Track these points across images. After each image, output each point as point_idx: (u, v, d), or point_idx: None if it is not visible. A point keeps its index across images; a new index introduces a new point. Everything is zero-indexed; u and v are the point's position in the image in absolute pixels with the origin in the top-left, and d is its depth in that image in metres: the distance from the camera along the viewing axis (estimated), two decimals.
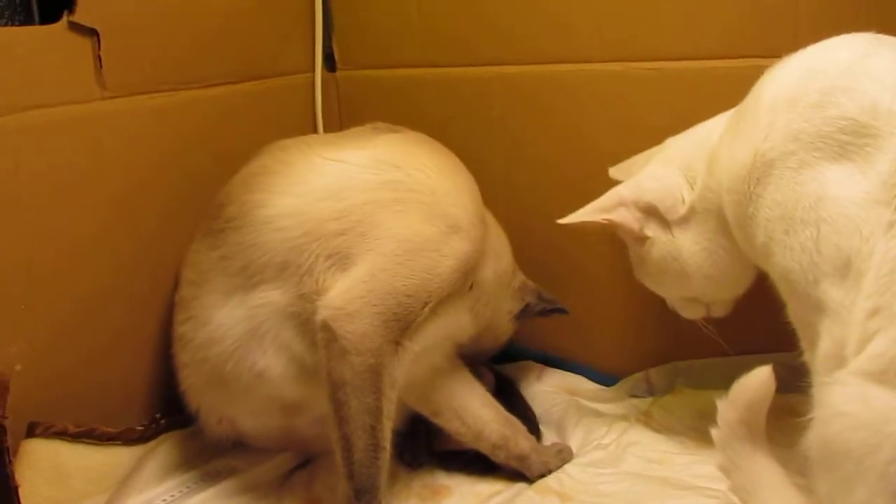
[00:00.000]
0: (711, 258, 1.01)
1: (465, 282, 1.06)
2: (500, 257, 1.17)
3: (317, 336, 0.96)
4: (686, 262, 1.02)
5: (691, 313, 1.11)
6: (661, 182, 1.03)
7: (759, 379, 0.85)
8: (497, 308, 1.20)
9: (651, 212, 1.04)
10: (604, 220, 1.04)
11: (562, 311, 1.27)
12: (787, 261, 0.83)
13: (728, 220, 0.95)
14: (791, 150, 0.83)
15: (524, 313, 1.25)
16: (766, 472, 0.85)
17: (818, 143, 0.81)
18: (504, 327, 1.25)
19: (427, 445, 1.17)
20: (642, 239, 1.05)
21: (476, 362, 1.25)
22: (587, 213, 1.05)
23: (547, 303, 1.26)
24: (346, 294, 0.96)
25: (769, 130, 0.85)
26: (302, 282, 0.99)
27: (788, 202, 0.83)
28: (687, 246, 1.02)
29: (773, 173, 0.84)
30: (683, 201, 1.02)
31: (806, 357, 0.86)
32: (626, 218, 1.04)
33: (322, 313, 0.95)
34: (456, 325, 1.08)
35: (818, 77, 0.84)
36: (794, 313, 0.87)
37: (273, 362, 1.01)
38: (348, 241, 0.99)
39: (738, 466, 0.86)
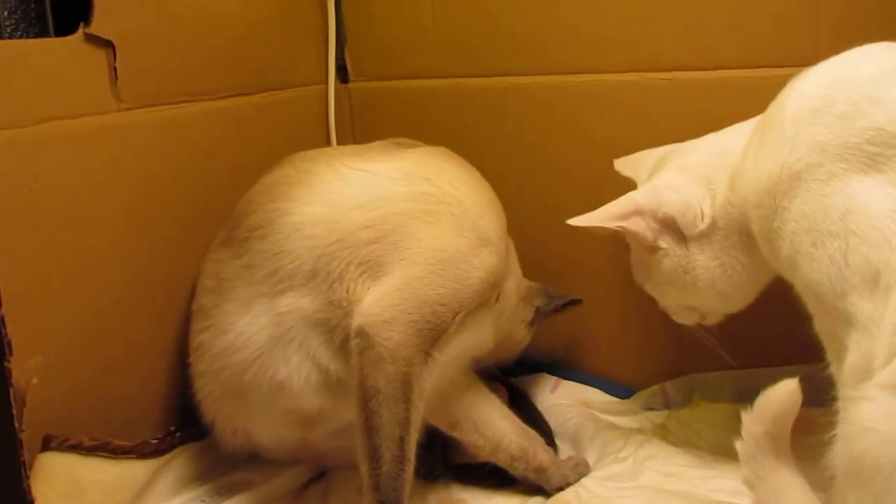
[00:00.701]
0: (726, 274, 1.00)
1: (492, 294, 1.06)
2: (516, 268, 1.18)
3: (350, 343, 0.96)
4: (698, 277, 1.01)
5: (685, 319, 1.10)
6: (680, 194, 1.01)
7: (785, 391, 0.83)
8: (512, 319, 1.20)
9: (668, 224, 1.02)
10: (617, 227, 1.02)
11: (575, 302, 1.26)
12: (814, 273, 0.81)
13: (754, 234, 0.94)
14: (818, 161, 0.82)
15: (537, 317, 1.25)
16: (791, 487, 0.84)
17: (846, 154, 0.80)
18: (520, 336, 1.25)
19: (443, 458, 1.16)
20: (653, 249, 1.04)
21: (491, 374, 1.24)
22: (600, 218, 1.02)
23: (557, 299, 1.26)
24: (381, 301, 0.96)
25: (795, 143, 0.84)
26: (332, 289, 0.99)
27: (816, 214, 0.81)
28: (702, 261, 1.00)
29: (801, 185, 0.83)
30: (703, 217, 1.00)
31: (832, 370, 0.85)
32: (641, 227, 1.02)
33: (358, 320, 0.96)
34: (480, 337, 1.08)
35: (844, 87, 0.83)
36: (820, 326, 0.86)
37: (295, 372, 1.00)
38: (380, 249, 0.99)
39: (762, 480, 0.84)
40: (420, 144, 1.17)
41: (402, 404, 0.93)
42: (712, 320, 1.08)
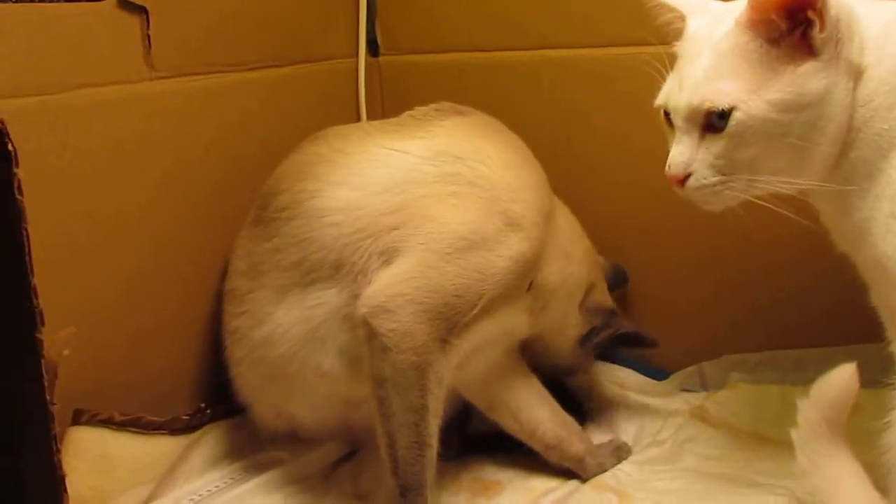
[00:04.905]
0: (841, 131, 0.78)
1: (521, 283, 1.00)
2: (569, 259, 1.09)
3: (358, 332, 0.93)
4: (832, 115, 0.77)
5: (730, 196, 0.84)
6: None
7: (843, 376, 0.80)
8: (559, 318, 1.11)
9: (848, 32, 0.78)
10: None
11: (644, 342, 1.17)
12: (886, 245, 0.76)
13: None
14: None
15: (588, 338, 1.15)
16: (847, 475, 0.81)
17: None
18: (564, 349, 1.15)
19: (458, 436, 1.13)
20: (808, 53, 0.77)
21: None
22: None
23: (618, 327, 1.15)
24: (388, 290, 0.92)
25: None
26: (356, 282, 0.95)
27: None
28: (842, 99, 0.78)
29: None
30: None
31: (893, 348, 0.81)
32: (830, 14, 0.76)
33: (361, 309, 0.92)
34: (511, 324, 1.03)
35: None
36: (883, 301, 0.81)
37: (336, 363, 0.98)
38: (401, 235, 0.95)
39: (817, 467, 0.82)
40: (467, 111, 1.10)
41: (415, 392, 0.90)
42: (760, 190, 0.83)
